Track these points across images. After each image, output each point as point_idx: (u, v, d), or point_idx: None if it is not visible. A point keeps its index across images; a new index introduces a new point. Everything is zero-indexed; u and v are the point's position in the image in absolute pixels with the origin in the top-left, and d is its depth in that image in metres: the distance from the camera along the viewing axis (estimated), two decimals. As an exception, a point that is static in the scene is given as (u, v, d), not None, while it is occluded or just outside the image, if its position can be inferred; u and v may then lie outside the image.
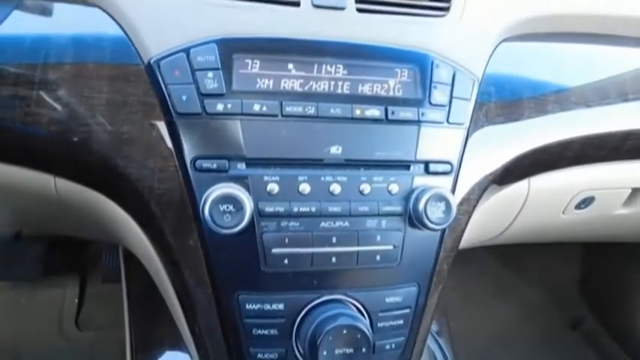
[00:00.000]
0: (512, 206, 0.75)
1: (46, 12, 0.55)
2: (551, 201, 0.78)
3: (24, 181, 0.57)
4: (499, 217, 0.76)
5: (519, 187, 0.72)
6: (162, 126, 0.52)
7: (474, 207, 0.63)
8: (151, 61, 0.51)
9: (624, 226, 0.92)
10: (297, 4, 0.55)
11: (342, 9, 0.56)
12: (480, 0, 0.64)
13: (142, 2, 0.53)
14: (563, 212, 0.81)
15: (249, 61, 0.53)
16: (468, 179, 0.61)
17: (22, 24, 0.53)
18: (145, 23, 0.52)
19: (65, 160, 0.54)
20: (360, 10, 0.57)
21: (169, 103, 0.51)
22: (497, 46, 0.66)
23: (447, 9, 0.61)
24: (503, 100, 0.65)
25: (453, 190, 0.60)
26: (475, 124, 0.61)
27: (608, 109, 0.72)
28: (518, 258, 1.63)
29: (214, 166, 0.51)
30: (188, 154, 0.51)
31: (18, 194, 0.61)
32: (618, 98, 0.73)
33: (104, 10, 0.53)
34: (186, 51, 0.51)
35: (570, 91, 0.70)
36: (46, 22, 0.54)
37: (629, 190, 0.82)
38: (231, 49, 0.52)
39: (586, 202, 0.81)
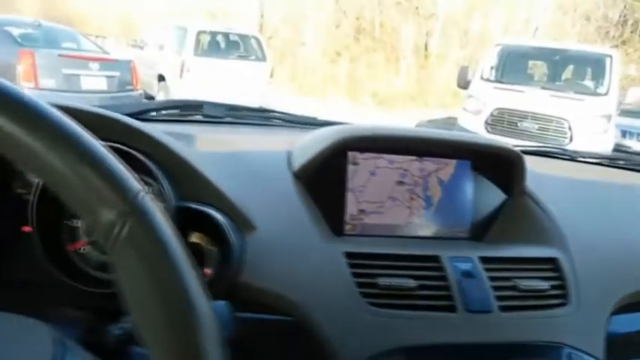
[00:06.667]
0: None
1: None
2: None
3: None
4: None
5: None
6: None
7: None
8: None
9: None
10: (454, 310, 0.66)
11: (489, 312, 0.67)
12: (591, 283, 0.75)
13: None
14: None
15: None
16: None
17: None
18: None
19: None
20: (502, 310, 0.67)
21: None
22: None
23: (564, 296, 0.72)
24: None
25: None
26: None
27: None
28: None
29: None
30: None
31: None
32: None
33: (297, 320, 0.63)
34: None
35: None
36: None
37: None
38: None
39: None
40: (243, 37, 7.71)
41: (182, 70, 6.78)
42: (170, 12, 14.36)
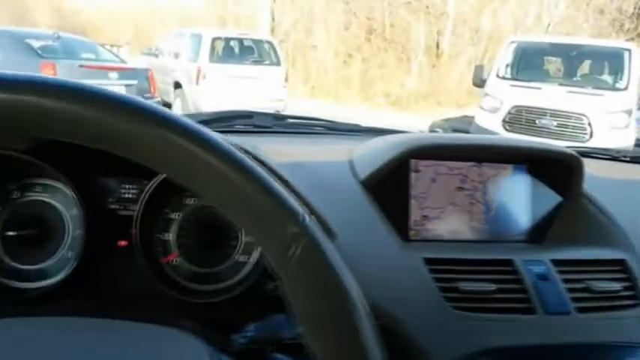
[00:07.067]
0: None
1: None
2: None
3: None
4: None
5: None
6: None
7: None
8: None
9: None
10: (533, 312, 0.68)
11: (567, 313, 0.69)
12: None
13: None
14: None
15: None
16: None
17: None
18: None
19: None
20: (579, 311, 0.69)
21: None
22: None
23: (636, 297, 0.74)
24: None
25: None
26: None
27: None
28: None
29: None
30: None
31: None
32: None
33: None
34: None
35: None
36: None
37: None
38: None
39: None
40: (257, 42, 7.77)
41: (198, 77, 6.85)
42: (181, 16, 14.51)
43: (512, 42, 6.40)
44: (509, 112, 5.54)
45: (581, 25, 11.58)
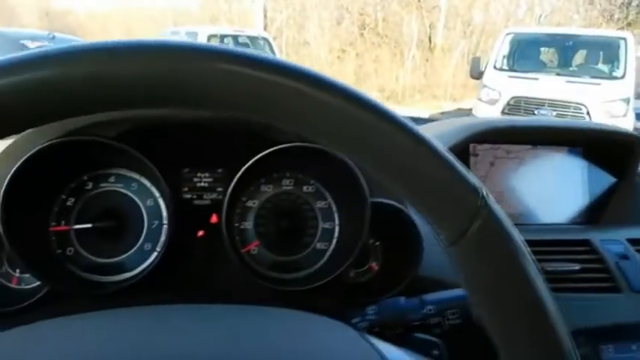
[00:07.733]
0: None
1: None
2: None
3: None
4: None
5: None
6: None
7: None
8: None
9: None
10: (619, 291, 0.67)
11: None
12: None
13: None
14: None
15: None
16: None
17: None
18: None
19: None
20: None
21: None
22: None
23: None
24: None
25: None
26: None
27: None
28: None
29: None
30: None
31: None
32: None
33: None
34: None
35: None
36: None
37: None
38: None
39: None
40: (253, 39, 7.73)
41: (195, 75, 6.79)
42: (173, 15, 14.40)
43: (509, 33, 6.42)
44: (508, 103, 5.56)
45: (572, 16, 11.65)
